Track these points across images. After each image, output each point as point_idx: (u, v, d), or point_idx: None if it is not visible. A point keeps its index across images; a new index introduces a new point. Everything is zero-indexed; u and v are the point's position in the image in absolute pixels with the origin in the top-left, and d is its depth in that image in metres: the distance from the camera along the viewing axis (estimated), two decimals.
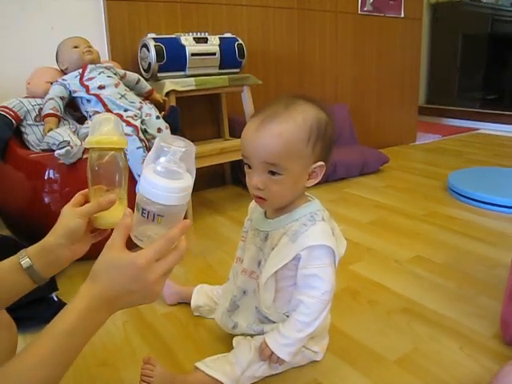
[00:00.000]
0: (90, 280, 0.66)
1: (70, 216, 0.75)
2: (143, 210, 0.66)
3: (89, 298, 0.64)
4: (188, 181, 0.67)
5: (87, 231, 0.77)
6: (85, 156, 1.44)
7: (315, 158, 0.88)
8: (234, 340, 1.00)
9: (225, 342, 1.07)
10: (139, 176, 1.57)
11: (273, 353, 0.91)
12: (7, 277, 0.72)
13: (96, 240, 0.81)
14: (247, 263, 0.99)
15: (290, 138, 0.84)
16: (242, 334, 1.01)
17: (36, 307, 1.15)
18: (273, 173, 0.86)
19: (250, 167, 0.88)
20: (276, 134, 0.84)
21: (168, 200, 0.64)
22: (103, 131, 0.74)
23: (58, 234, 0.74)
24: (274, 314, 0.96)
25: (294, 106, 0.88)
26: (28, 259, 0.72)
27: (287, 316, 0.95)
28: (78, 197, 0.78)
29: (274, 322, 0.97)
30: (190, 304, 1.22)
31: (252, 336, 0.99)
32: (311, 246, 0.88)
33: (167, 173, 0.65)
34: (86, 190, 0.79)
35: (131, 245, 0.68)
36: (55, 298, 1.23)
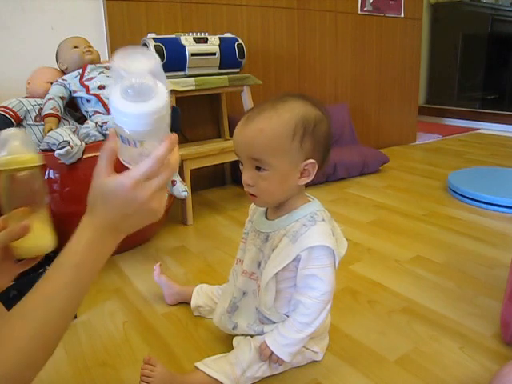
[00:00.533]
0: (87, 212, 0.64)
1: None
2: (121, 137, 0.61)
3: (91, 230, 0.63)
4: (160, 98, 0.59)
5: (7, 261, 0.71)
6: (85, 156, 1.44)
7: (305, 156, 0.88)
8: (234, 340, 1.01)
9: (225, 342, 1.07)
10: None
11: (273, 353, 0.92)
12: None
13: (25, 268, 0.75)
14: (247, 264, 0.99)
15: (271, 133, 0.85)
16: (241, 334, 1.01)
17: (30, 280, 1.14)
18: (259, 168, 0.87)
19: (242, 164, 0.90)
20: (258, 129, 0.86)
21: (141, 126, 0.59)
22: (12, 149, 0.68)
23: None
24: (274, 314, 0.96)
25: (281, 103, 0.88)
26: None
27: (287, 316, 0.95)
28: None
29: (274, 323, 0.97)
30: (189, 304, 1.22)
31: (252, 336, 0.99)
32: (311, 246, 0.88)
33: (135, 94, 0.57)
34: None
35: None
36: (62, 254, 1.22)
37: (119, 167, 0.64)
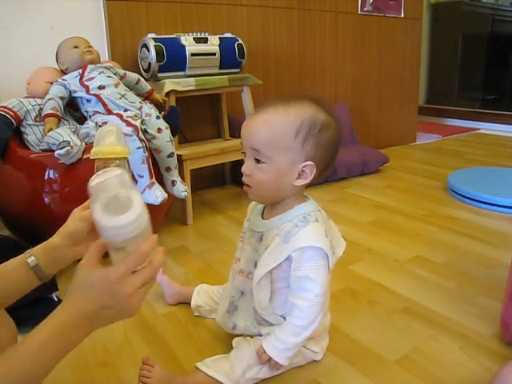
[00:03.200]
0: (66, 298, 0.67)
1: (74, 219, 0.79)
2: (105, 240, 0.67)
3: (66, 313, 0.65)
4: (137, 208, 0.64)
5: (90, 234, 0.78)
6: (85, 156, 1.44)
7: (306, 157, 0.88)
8: (234, 341, 1.01)
9: (225, 342, 1.07)
10: (139, 177, 1.58)
11: (271, 358, 0.91)
12: (13, 275, 0.76)
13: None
14: (244, 264, 0.99)
15: (275, 127, 0.86)
16: (241, 335, 1.01)
17: (36, 307, 1.15)
18: (258, 160, 0.88)
19: (245, 155, 0.91)
20: (263, 120, 0.87)
21: (121, 236, 0.64)
22: (107, 142, 0.79)
23: (62, 236, 0.78)
24: (270, 315, 0.96)
25: (294, 102, 0.89)
26: (34, 258, 0.76)
27: (284, 318, 0.95)
28: (88, 201, 0.80)
29: (271, 324, 0.96)
30: (190, 304, 1.22)
31: (252, 337, 0.99)
32: (302, 247, 0.87)
33: (114, 208, 0.63)
34: None
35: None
36: (55, 298, 1.23)
37: None
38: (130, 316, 0.68)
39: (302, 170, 0.89)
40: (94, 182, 0.65)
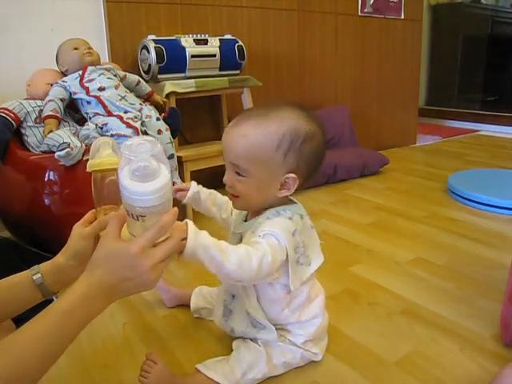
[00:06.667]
0: (88, 270, 0.68)
1: (77, 238, 0.79)
2: (127, 211, 0.68)
3: (87, 285, 0.67)
4: (163, 179, 0.66)
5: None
6: (85, 158, 1.45)
7: (288, 169, 0.87)
8: (234, 343, 1.00)
9: (225, 343, 1.07)
10: None
11: (186, 238, 0.75)
12: (19, 290, 0.77)
13: None
14: None
15: (254, 141, 0.84)
16: (241, 337, 1.01)
17: (36, 308, 1.14)
18: (238, 173, 0.87)
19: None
20: (241, 135, 0.85)
21: (144, 203, 0.65)
22: (103, 154, 0.79)
23: (67, 256, 0.79)
24: (262, 315, 0.94)
25: (276, 111, 0.87)
26: (40, 275, 0.77)
27: (276, 329, 0.94)
28: (88, 215, 0.83)
29: (265, 327, 0.95)
30: (189, 306, 1.22)
31: (251, 338, 0.98)
32: (266, 231, 0.85)
33: (141, 176, 0.65)
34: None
35: None
36: (55, 299, 1.22)
37: None
38: (149, 289, 0.70)
39: (285, 182, 0.88)
40: (130, 142, 0.66)
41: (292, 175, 0.87)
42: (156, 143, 0.67)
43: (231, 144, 0.87)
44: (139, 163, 0.64)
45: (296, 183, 0.88)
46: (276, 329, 0.96)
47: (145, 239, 0.67)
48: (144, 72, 2.01)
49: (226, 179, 0.90)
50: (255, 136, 0.85)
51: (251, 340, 0.98)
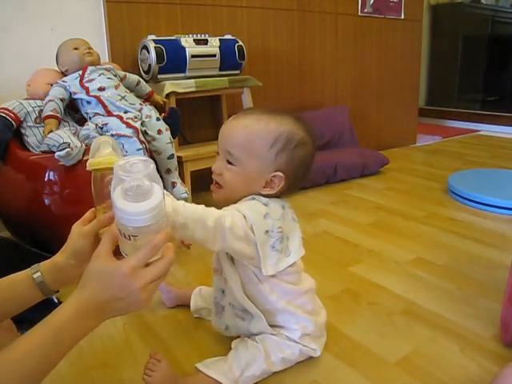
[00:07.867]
0: (79, 287, 0.69)
1: (76, 237, 0.79)
2: (119, 230, 0.68)
3: (77, 302, 0.66)
4: (155, 199, 0.65)
5: (97, 245, 0.78)
6: (85, 158, 1.45)
7: (276, 168, 0.89)
8: (233, 343, 1.01)
9: (224, 343, 1.07)
10: None
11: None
12: (19, 289, 0.77)
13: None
14: (214, 262, 1.01)
15: (253, 132, 0.88)
16: (237, 336, 1.02)
17: (36, 309, 1.14)
18: (229, 162, 0.89)
19: (218, 154, 0.93)
20: (242, 125, 0.89)
21: (136, 223, 0.65)
22: (103, 153, 0.79)
23: (67, 254, 0.79)
24: (247, 303, 0.94)
25: (278, 114, 0.91)
26: (40, 274, 0.77)
27: (263, 314, 0.95)
28: (87, 214, 0.82)
29: (253, 316, 0.96)
30: (189, 306, 1.22)
31: (249, 337, 0.99)
32: (236, 207, 0.88)
33: (133, 196, 0.64)
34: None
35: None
36: (55, 300, 1.22)
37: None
38: (140, 309, 0.69)
39: (271, 180, 0.90)
40: (122, 162, 0.66)
41: (279, 173, 0.89)
42: (149, 163, 0.67)
43: (231, 131, 0.90)
44: (132, 183, 0.64)
45: (281, 183, 0.90)
46: (270, 326, 0.97)
47: (136, 259, 0.66)
48: (144, 72, 2.01)
49: (215, 167, 0.92)
50: (255, 128, 0.88)
51: (249, 338, 0.98)
